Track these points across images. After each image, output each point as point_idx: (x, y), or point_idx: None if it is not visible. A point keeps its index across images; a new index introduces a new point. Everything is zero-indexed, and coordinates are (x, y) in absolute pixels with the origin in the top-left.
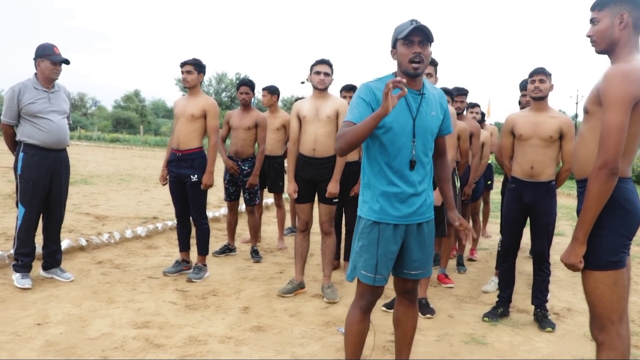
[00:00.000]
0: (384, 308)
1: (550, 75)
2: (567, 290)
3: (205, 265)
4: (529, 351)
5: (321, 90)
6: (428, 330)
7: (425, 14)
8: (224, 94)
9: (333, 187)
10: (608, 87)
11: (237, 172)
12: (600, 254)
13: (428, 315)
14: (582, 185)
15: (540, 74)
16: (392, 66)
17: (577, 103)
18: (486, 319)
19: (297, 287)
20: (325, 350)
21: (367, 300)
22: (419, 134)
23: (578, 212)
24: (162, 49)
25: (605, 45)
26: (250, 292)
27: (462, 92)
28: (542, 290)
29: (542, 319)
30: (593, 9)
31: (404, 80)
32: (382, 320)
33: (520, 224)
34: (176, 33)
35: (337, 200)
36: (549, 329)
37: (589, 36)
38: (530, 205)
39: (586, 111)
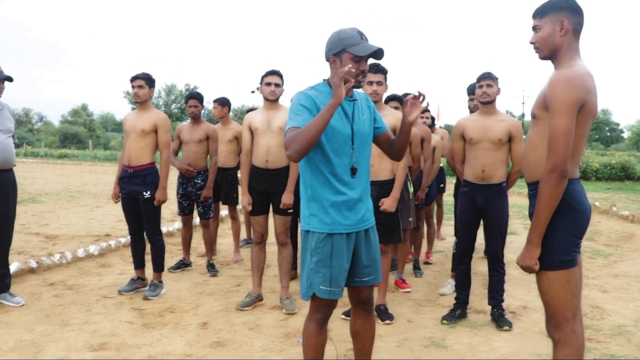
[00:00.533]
0: (343, 316)
1: (497, 79)
2: (521, 289)
3: (161, 281)
4: (488, 351)
5: (272, 101)
6: (388, 337)
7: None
8: (173, 106)
9: (287, 198)
10: (553, 93)
11: (193, 173)
12: (553, 254)
13: (387, 322)
14: (533, 188)
15: (487, 78)
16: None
17: (523, 103)
18: (445, 321)
19: (255, 300)
20: None
21: (323, 314)
22: (357, 140)
23: (530, 214)
24: (108, 61)
25: (548, 52)
26: (208, 307)
27: None
28: (498, 290)
29: (499, 319)
30: (535, 16)
31: (353, 70)
32: (341, 328)
33: (474, 226)
34: (123, 44)
35: (291, 210)
36: (506, 327)
37: (532, 43)
38: (483, 207)
39: (534, 116)
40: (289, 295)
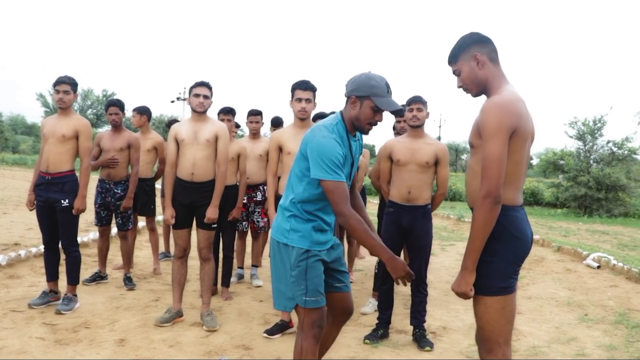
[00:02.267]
0: (265, 335)
1: (426, 103)
2: (440, 309)
3: (75, 295)
4: None
5: (200, 113)
6: None
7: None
8: (89, 111)
9: (212, 213)
10: (484, 120)
11: (114, 161)
12: (490, 279)
13: None
14: None
15: (417, 102)
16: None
17: (440, 127)
18: (367, 341)
19: (175, 316)
20: None
21: (320, 327)
22: (350, 178)
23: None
24: (19, 62)
25: (477, 88)
26: (125, 323)
27: None
28: (420, 310)
29: (421, 339)
30: (450, 63)
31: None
32: (263, 347)
33: (398, 246)
34: (36, 44)
35: (215, 225)
36: (428, 348)
37: (460, 87)
38: (408, 228)
39: (471, 145)
40: (210, 311)
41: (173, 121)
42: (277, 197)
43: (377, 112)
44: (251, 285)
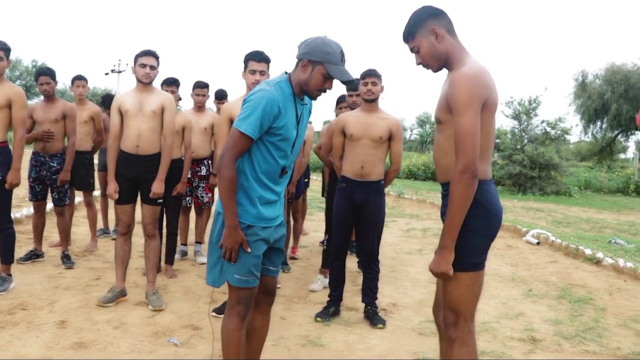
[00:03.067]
0: (213, 313)
1: (380, 77)
2: (389, 286)
3: (10, 275)
4: (365, 349)
5: (146, 84)
6: (267, 335)
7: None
8: (18, 82)
9: (158, 187)
10: (456, 93)
11: (50, 134)
12: (463, 256)
13: None
14: (446, 188)
15: (372, 76)
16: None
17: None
18: (319, 319)
19: (118, 295)
20: None
21: (245, 306)
22: (297, 144)
23: (442, 214)
24: None
25: (438, 63)
26: (65, 303)
27: None
28: (372, 287)
29: (373, 316)
30: (406, 40)
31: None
32: (212, 326)
33: (350, 222)
34: None
35: (161, 200)
36: (380, 325)
37: (419, 64)
38: (360, 204)
39: (439, 121)
40: (155, 290)
41: (108, 96)
42: None
43: (327, 80)
44: (195, 262)
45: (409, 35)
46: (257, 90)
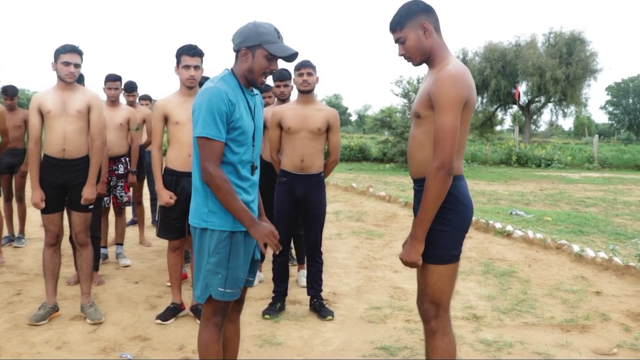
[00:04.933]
0: (158, 321)
1: (315, 67)
2: (323, 275)
3: None
4: (322, 344)
5: (69, 82)
6: None
7: None
8: None
9: (89, 192)
10: (440, 91)
11: None
12: (445, 249)
13: None
14: (420, 184)
15: (307, 67)
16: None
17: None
18: (267, 316)
19: (51, 311)
20: None
21: (222, 316)
22: (257, 137)
23: (415, 210)
24: None
25: (421, 57)
26: None
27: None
28: (317, 280)
29: (321, 308)
30: (393, 30)
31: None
32: (161, 335)
33: (292, 217)
34: None
35: (92, 206)
36: (330, 317)
37: (402, 55)
38: (302, 197)
39: (418, 115)
40: (91, 302)
41: (10, 87)
42: (166, 171)
43: (271, 60)
44: (118, 265)
45: (398, 25)
46: (202, 90)
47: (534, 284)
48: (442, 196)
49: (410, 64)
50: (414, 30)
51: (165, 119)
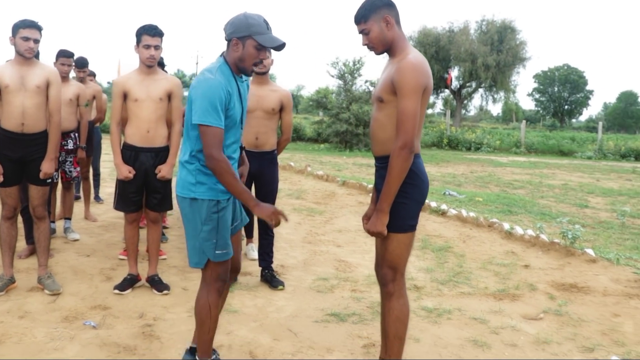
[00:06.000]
0: (116, 291)
1: (271, 50)
2: None
3: None
4: (276, 311)
5: (28, 58)
6: (174, 308)
7: None
8: None
9: (49, 167)
10: (403, 78)
11: None
12: (405, 219)
13: (165, 292)
14: (382, 162)
15: None
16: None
17: (197, 63)
18: None
19: (8, 283)
20: (90, 350)
21: (223, 281)
22: (243, 119)
23: (376, 184)
24: None
25: (383, 47)
26: None
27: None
28: (268, 252)
29: (272, 279)
30: (358, 22)
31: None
32: (120, 304)
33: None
34: None
35: (50, 180)
36: (281, 287)
37: (366, 44)
38: (256, 174)
39: (380, 100)
40: (49, 273)
41: None
42: (125, 147)
43: (260, 50)
44: (67, 239)
45: (362, 18)
46: (202, 80)
47: (468, 258)
48: (404, 172)
49: (372, 52)
50: (377, 23)
51: (124, 96)
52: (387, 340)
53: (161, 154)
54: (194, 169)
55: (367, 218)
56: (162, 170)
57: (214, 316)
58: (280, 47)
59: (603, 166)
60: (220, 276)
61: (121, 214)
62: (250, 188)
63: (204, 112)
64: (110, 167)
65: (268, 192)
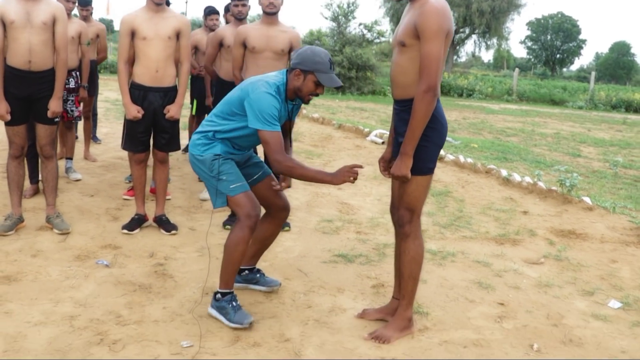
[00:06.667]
0: (125, 231)
1: None
2: None
3: None
4: (285, 251)
5: None
6: (183, 247)
7: None
8: None
9: (56, 105)
10: (427, 22)
11: None
12: (425, 162)
13: (173, 232)
14: (403, 105)
15: None
16: None
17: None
18: (227, 226)
19: (17, 222)
20: (106, 288)
21: (255, 218)
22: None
23: (396, 127)
24: None
25: None
26: None
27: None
28: None
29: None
30: None
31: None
32: (131, 244)
33: None
34: None
35: (58, 119)
36: (287, 228)
37: None
38: None
39: (403, 44)
40: (57, 213)
41: None
42: (133, 86)
43: (319, 86)
44: (69, 179)
45: None
46: (261, 93)
47: (468, 203)
48: (429, 116)
49: None
50: None
51: (132, 34)
52: (402, 280)
53: (170, 94)
54: (211, 141)
55: (383, 161)
56: (171, 110)
57: (242, 251)
58: (337, 88)
59: (594, 116)
60: (250, 214)
61: (121, 154)
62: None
63: (267, 121)
64: (105, 107)
65: None
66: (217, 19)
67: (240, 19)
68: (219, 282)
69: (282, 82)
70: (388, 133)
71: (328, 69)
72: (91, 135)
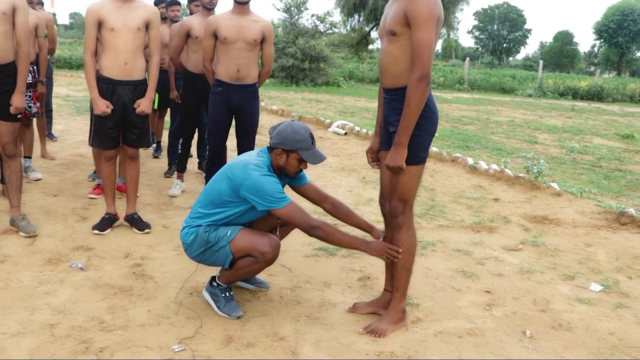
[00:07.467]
0: (96, 231)
1: None
2: None
3: None
4: None
5: None
6: (160, 246)
7: None
8: None
9: (19, 101)
10: (417, 10)
11: None
12: (418, 151)
13: (147, 230)
14: (395, 93)
15: None
16: None
17: None
18: None
19: None
20: (84, 292)
21: (265, 250)
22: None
23: (385, 116)
24: None
25: None
26: None
27: None
28: None
29: None
30: None
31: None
32: (103, 244)
33: (227, 126)
34: None
35: (20, 116)
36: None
37: None
38: (237, 107)
39: (393, 33)
40: (23, 215)
41: None
42: (101, 79)
43: (302, 162)
44: (29, 179)
45: None
46: (261, 177)
47: (439, 192)
48: (422, 104)
49: None
50: None
51: (99, 25)
52: (396, 272)
53: (140, 88)
54: (195, 230)
55: (372, 152)
56: (141, 105)
57: (252, 272)
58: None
59: (544, 104)
60: (256, 253)
61: (80, 151)
62: (231, 123)
63: (274, 198)
64: (56, 104)
65: (249, 126)
66: (178, 10)
67: (210, 8)
68: (219, 275)
69: (268, 162)
70: (349, 123)
71: (310, 145)
72: (46, 133)
